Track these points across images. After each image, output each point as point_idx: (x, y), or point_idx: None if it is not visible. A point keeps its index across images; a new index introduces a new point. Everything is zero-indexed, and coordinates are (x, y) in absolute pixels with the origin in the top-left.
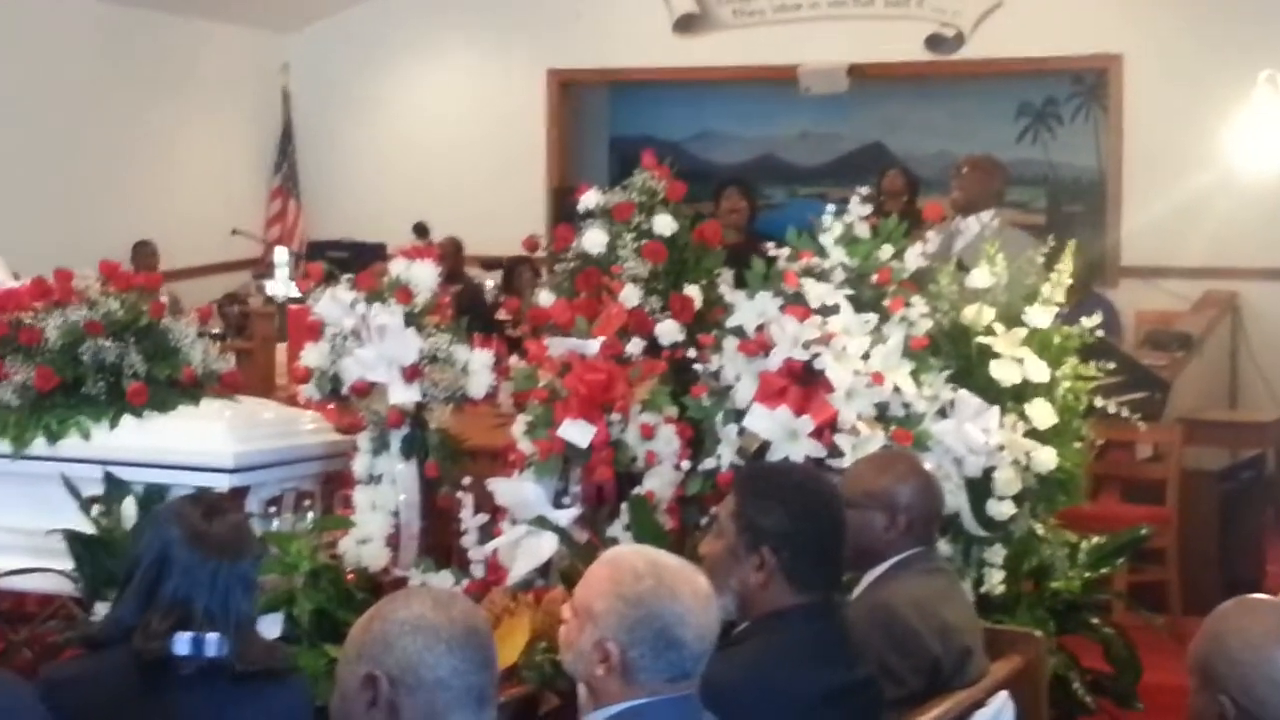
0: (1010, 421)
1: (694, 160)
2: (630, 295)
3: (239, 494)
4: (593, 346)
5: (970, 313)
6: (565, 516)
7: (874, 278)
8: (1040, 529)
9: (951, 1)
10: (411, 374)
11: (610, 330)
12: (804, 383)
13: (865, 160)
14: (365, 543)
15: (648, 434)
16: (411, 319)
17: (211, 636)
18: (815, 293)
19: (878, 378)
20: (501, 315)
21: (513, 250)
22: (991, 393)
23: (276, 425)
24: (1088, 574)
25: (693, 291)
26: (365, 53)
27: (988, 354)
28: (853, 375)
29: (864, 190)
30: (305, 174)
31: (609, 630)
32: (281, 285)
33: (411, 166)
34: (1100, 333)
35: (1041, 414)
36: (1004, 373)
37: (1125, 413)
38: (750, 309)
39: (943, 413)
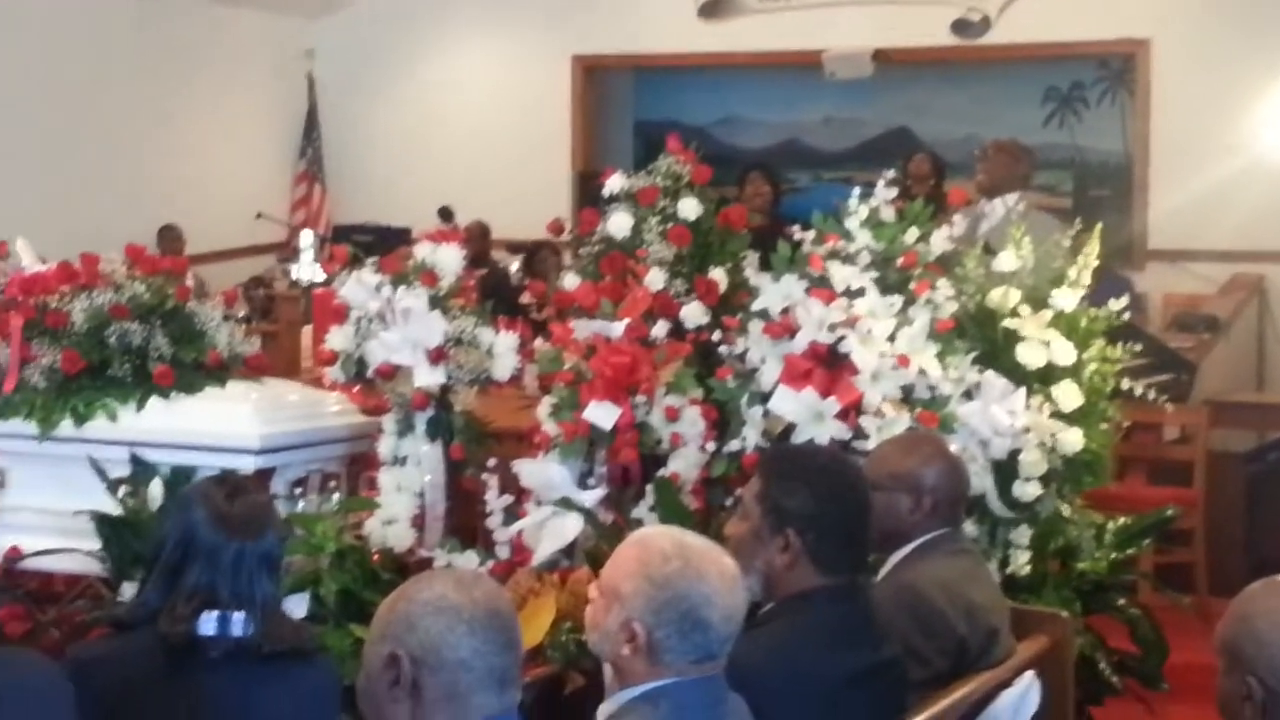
0: (1036, 403)
1: (719, 145)
2: (655, 279)
3: (265, 475)
4: (618, 329)
5: (996, 295)
6: (590, 498)
7: (899, 261)
8: (1066, 510)
9: None
10: (436, 356)
11: (635, 313)
12: (829, 365)
13: (890, 145)
14: (390, 524)
15: (673, 416)
16: (436, 302)
17: (237, 616)
18: (840, 276)
19: (903, 360)
20: (525, 299)
21: (538, 234)
22: (1017, 375)
23: (302, 407)
24: (1114, 555)
25: (718, 275)
26: (390, 38)
27: (1014, 336)
28: (878, 358)
29: (890, 173)
30: (330, 158)
31: (636, 611)
32: (307, 269)
33: (436, 151)
34: (1126, 315)
35: (1068, 396)
36: (1030, 355)
37: (1152, 395)
38: (775, 292)
39: (968, 395)
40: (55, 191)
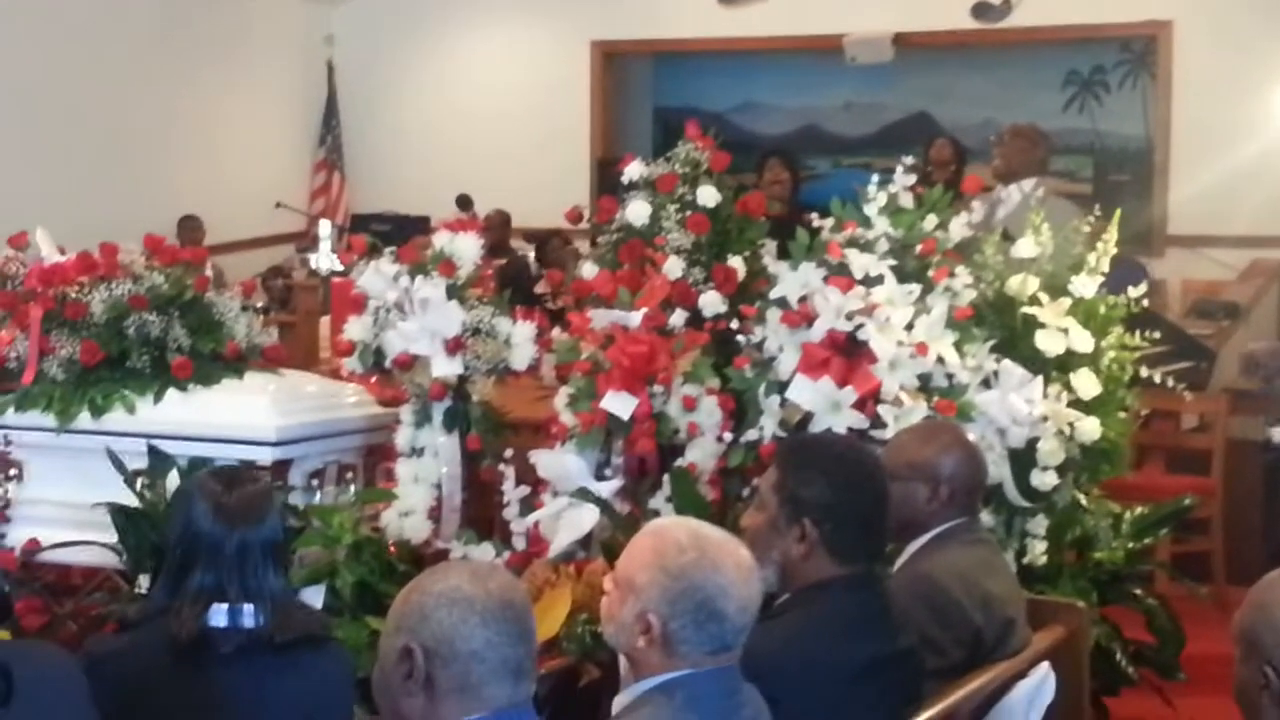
0: (1054, 392)
1: (738, 131)
2: (673, 267)
3: (282, 467)
4: (635, 318)
5: (1015, 283)
6: (607, 488)
7: (918, 248)
8: (1084, 499)
9: None
10: (454, 347)
11: (653, 302)
12: (847, 354)
13: (910, 130)
14: (407, 515)
15: (690, 406)
16: (454, 292)
17: (247, 608)
18: (859, 263)
19: (921, 348)
20: (540, 289)
21: (557, 222)
22: (1036, 363)
23: (319, 398)
24: (1131, 544)
25: (736, 263)
26: (409, 25)
27: (1032, 324)
28: (896, 346)
29: (909, 160)
30: (349, 147)
31: (651, 602)
32: (325, 258)
33: (455, 139)
34: (1145, 302)
35: (1086, 384)
36: (1048, 343)
37: (1170, 383)
38: (793, 280)
39: (986, 383)
40: (74, 181)
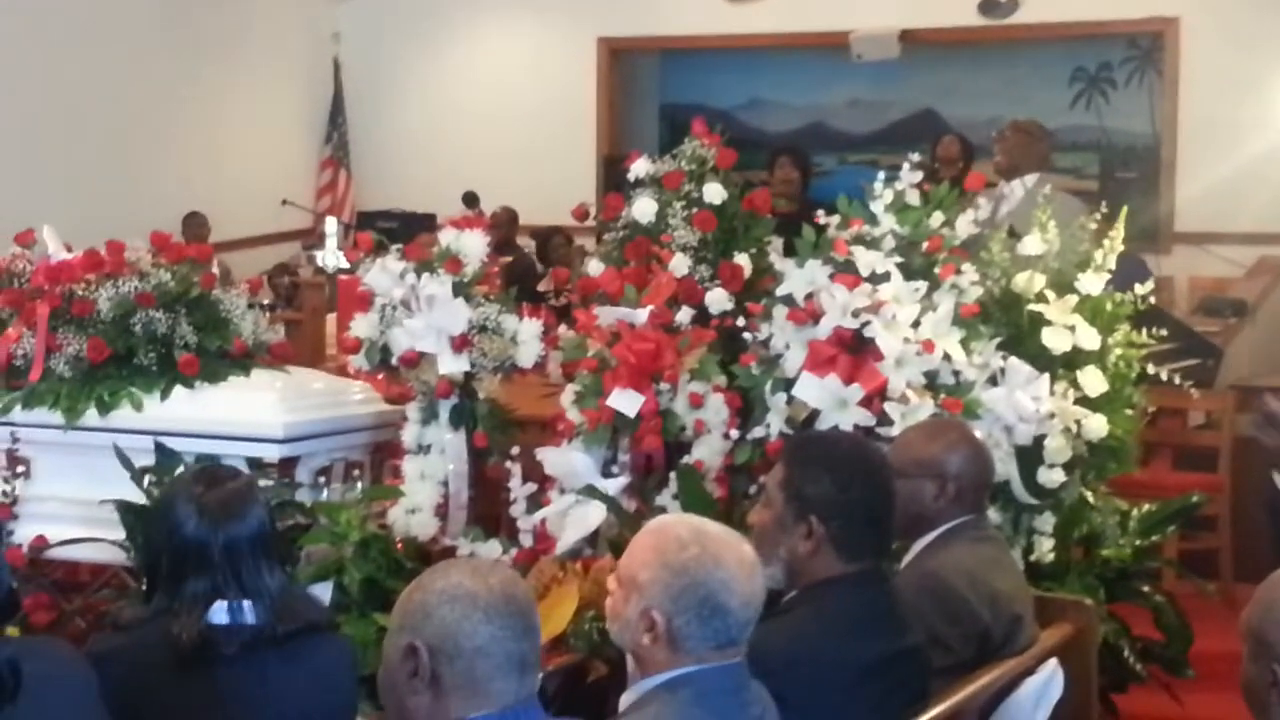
0: (1061, 389)
1: (744, 128)
2: (680, 264)
3: (289, 464)
4: (642, 315)
5: (1021, 280)
6: (614, 485)
7: (925, 245)
8: (1091, 497)
9: None
10: (460, 344)
11: (659, 299)
12: (853, 351)
13: (917, 127)
14: (414, 512)
15: (696, 403)
16: (460, 289)
17: (247, 604)
18: (865, 260)
19: (928, 345)
20: (543, 286)
21: (564, 219)
22: (1042, 360)
23: (326, 396)
24: (1139, 541)
25: (742, 260)
26: (416, 22)
27: (1039, 321)
28: (902, 343)
29: (915, 157)
30: (355, 144)
31: (654, 599)
32: (331, 256)
33: (462, 136)
34: (1151, 299)
35: (1092, 381)
36: (1055, 340)
37: (1177, 380)
38: (800, 277)
39: (993, 380)
40: (81, 179)
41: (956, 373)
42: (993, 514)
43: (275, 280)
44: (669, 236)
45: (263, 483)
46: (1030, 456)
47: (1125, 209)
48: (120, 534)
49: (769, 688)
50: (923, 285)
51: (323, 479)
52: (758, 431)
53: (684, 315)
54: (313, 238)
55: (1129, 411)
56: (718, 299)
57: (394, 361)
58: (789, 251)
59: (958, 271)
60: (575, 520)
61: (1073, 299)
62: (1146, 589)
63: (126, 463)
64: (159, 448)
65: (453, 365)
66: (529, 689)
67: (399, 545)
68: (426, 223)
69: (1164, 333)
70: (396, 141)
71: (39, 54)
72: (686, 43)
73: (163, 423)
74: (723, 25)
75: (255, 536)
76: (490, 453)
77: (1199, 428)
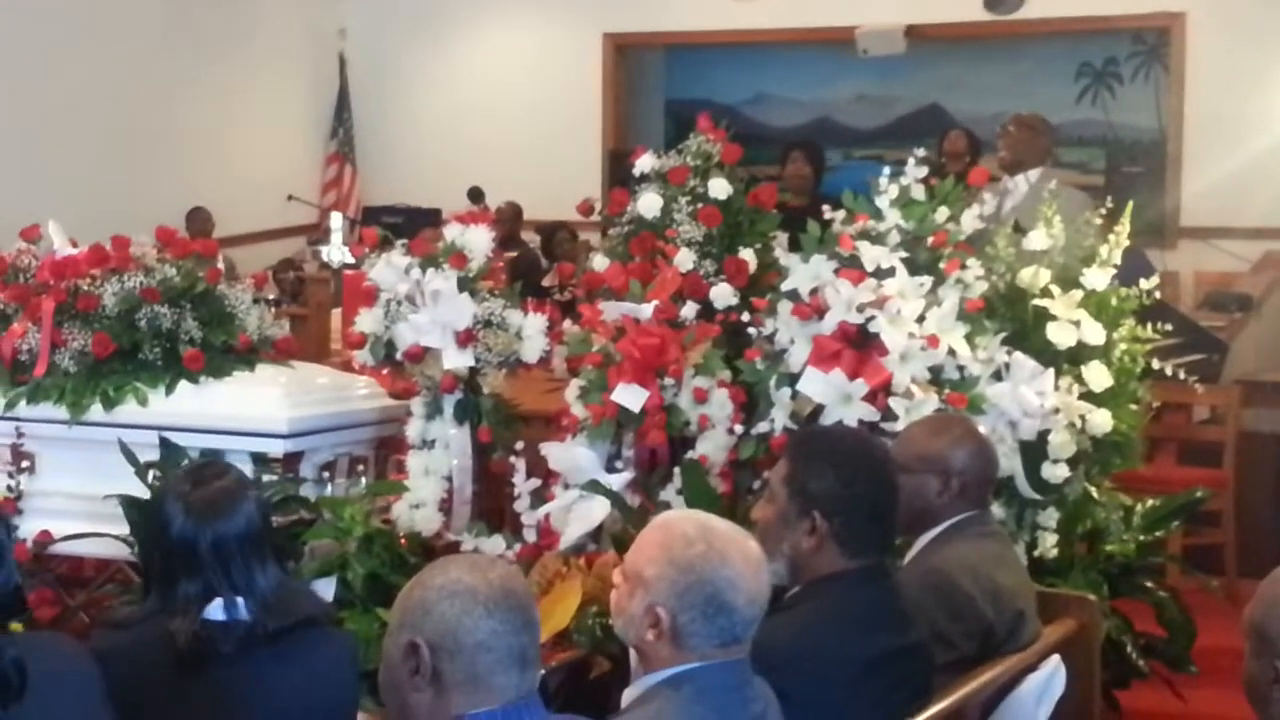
0: (1066, 384)
1: (750, 123)
2: (684, 259)
3: (293, 459)
4: (646, 310)
5: (1026, 275)
6: (618, 481)
7: (930, 240)
8: (1095, 492)
9: None
10: (465, 339)
11: (664, 294)
12: (858, 346)
13: (922, 122)
14: (418, 507)
15: (701, 398)
16: (465, 284)
17: (240, 601)
18: (870, 256)
19: (932, 341)
20: (547, 281)
21: (569, 215)
22: (1047, 355)
23: (331, 391)
24: (1142, 537)
25: (747, 255)
26: (421, 18)
27: (1044, 316)
28: (907, 338)
29: (920, 152)
30: (361, 139)
31: (659, 596)
32: (337, 251)
33: (467, 131)
34: (1157, 294)
35: (1097, 376)
36: (1060, 335)
37: (1182, 375)
38: (805, 272)
39: (998, 375)
40: (86, 174)
41: (961, 368)
42: (996, 509)
43: (280, 275)
44: (674, 232)
45: (266, 478)
46: (1034, 452)
47: (1131, 204)
48: (124, 529)
49: (772, 683)
50: (928, 280)
51: (327, 474)
52: (762, 426)
53: (689, 310)
54: (318, 233)
55: (1133, 407)
56: (722, 294)
57: (399, 356)
58: (793, 245)
59: (963, 266)
60: (579, 515)
61: (1078, 294)
62: (1150, 584)
63: (131, 458)
64: (164, 443)
65: (457, 360)
66: (530, 684)
67: (403, 540)
68: (431, 218)
69: (1169, 328)
70: (402, 137)
71: (43, 51)
72: (692, 38)
73: (167, 418)
74: (728, 21)
75: (244, 535)
76: (494, 448)
77: (1204, 423)
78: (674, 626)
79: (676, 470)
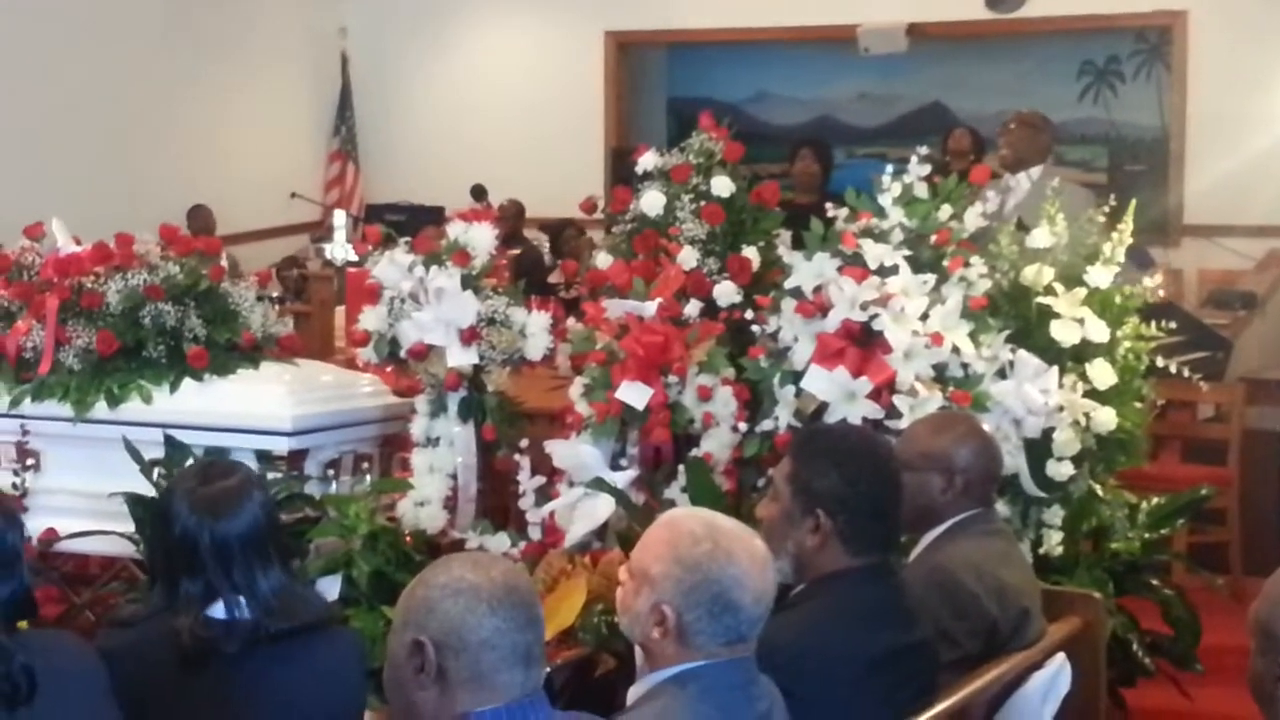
0: (1070, 382)
1: (752, 121)
2: (688, 257)
3: (298, 457)
4: (650, 308)
5: (1030, 273)
6: (622, 478)
7: (933, 238)
8: (1100, 490)
9: None
10: (469, 336)
11: (668, 292)
12: (862, 344)
13: (925, 121)
14: (423, 505)
15: (705, 395)
16: (469, 282)
17: (242, 601)
18: (873, 253)
19: (936, 338)
20: (554, 278)
21: (572, 212)
22: (1051, 353)
23: (335, 388)
24: (1147, 535)
25: (750, 253)
26: (423, 15)
27: (1047, 314)
28: (911, 336)
29: (924, 150)
30: (363, 137)
31: (665, 594)
32: (340, 248)
33: (469, 129)
34: (1161, 292)
35: (1101, 374)
36: (1064, 333)
37: (1187, 372)
38: (808, 270)
39: (1002, 373)
40: (89, 172)
41: (965, 365)
42: (1001, 507)
43: (284, 273)
44: (677, 229)
45: (271, 475)
46: (1039, 449)
47: (1134, 202)
48: (129, 527)
49: (777, 681)
50: (931, 278)
51: (331, 472)
52: (766, 424)
53: (692, 308)
54: (321, 231)
55: (1138, 404)
56: (726, 292)
57: (402, 354)
58: (797, 243)
59: (966, 264)
60: (584, 513)
61: (1081, 291)
62: (1155, 582)
63: (136, 455)
64: (168, 440)
65: (461, 358)
66: (535, 681)
67: (408, 538)
68: (435, 215)
69: (1173, 325)
70: (404, 135)
71: (43, 51)
72: (694, 36)
73: (172, 415)
74: (730, 19)
75: (247, 535)
76: (499, 445)
77: (1208, 421)
78: (680, 624)
79: (681, 468)
